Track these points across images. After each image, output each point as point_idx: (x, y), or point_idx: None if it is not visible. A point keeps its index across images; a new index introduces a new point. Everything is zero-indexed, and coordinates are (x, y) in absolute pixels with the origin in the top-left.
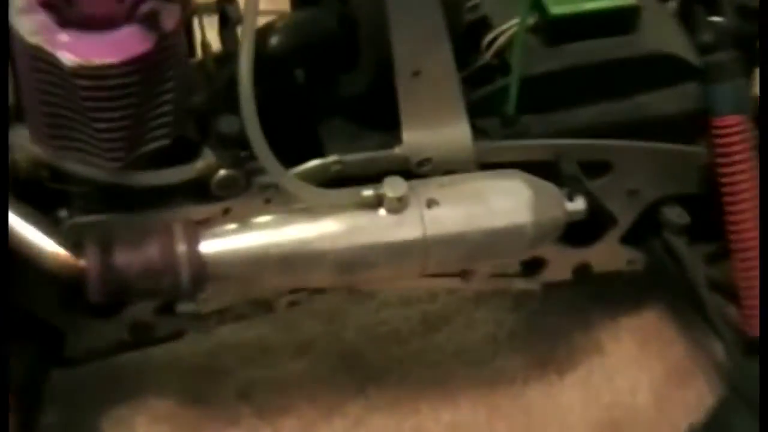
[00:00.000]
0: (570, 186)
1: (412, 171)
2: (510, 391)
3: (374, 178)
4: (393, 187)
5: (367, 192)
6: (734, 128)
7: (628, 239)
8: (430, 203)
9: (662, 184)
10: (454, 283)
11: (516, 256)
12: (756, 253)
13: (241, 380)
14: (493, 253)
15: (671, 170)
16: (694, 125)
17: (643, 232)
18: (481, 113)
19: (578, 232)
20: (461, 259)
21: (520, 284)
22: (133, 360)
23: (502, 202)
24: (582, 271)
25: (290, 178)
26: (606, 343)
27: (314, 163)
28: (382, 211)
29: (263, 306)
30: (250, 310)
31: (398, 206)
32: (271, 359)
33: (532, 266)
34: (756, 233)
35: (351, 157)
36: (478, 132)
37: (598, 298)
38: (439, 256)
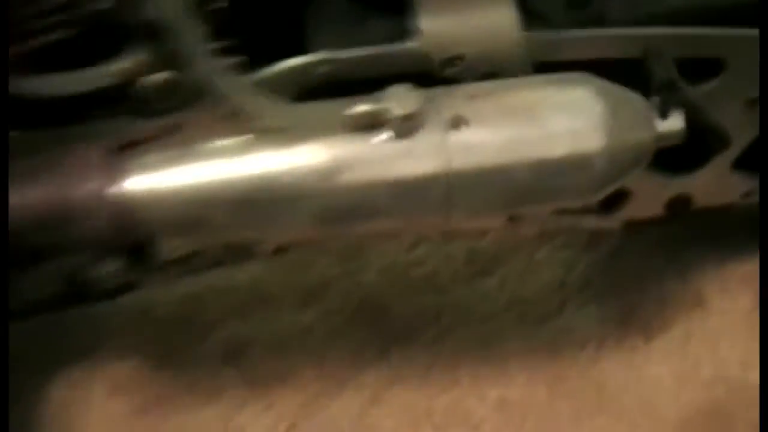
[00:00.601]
0: (663, 95)
1: (435, 74)
2: (579, 359)
3: (382, 84)
4: (400, 98)
5: (362, 107)
6: None
7: (743, 163)
8: (457, 122)
9: None
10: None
11: (582, 197)
12: None
13: (227, 337)
14: (548, 195)
15: None
16: None
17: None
18: None
19: (675, 154)
20: (501, 203)
21: (593, 223)
22: (89, 310)
23: (561, 121)
24: (680, 206)
25: (242, 84)
26: (709, 296)
27: (290, 62)
28: (384, 135)
29: (239, 251)
30: (223, 256)
31: (408, 127)
32: (267, 310)
33: (611, 199)
34: None
35: (345, 53)
36: (532, 17)
37: (699, 235)
38: (469, 200)
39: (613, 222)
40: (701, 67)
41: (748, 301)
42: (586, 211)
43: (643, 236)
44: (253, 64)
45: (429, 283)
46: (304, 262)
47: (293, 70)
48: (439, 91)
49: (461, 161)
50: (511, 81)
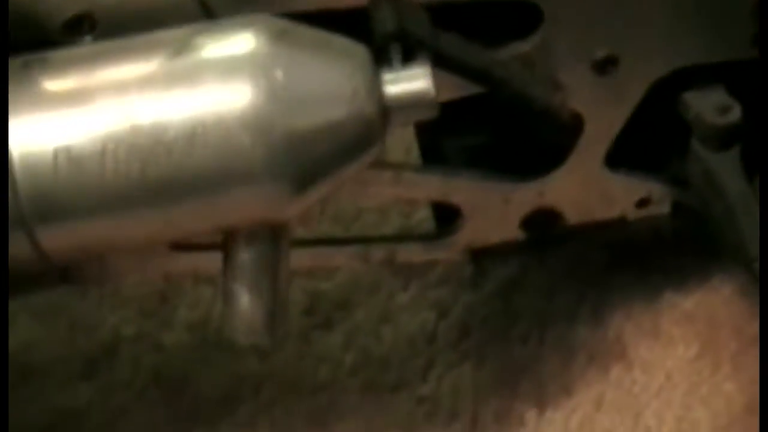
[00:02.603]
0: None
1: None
2: None
3: None
4: None
5: None
6: None
7: (634, 161)
8: None
9: (673, 44)
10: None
11: (252, 213)
12: None
13: None
14: (197, 212)
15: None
16: None
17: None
18: None
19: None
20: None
21: (411, 254)
22: None
23: (197, 88)
24: (545, 224)
25: None
26: (634, 344)
27: None
28: None
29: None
30: None
31: None
32: (30, 386)
33: (438, 218)
34: None
35: None
36: None
37: (624, 262)
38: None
39: (447, 251)
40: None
41: (688, 348)
42: (391, 239)
43: (546, 266)
44: None
45: None
46: (90, 321)
47: None
48: None
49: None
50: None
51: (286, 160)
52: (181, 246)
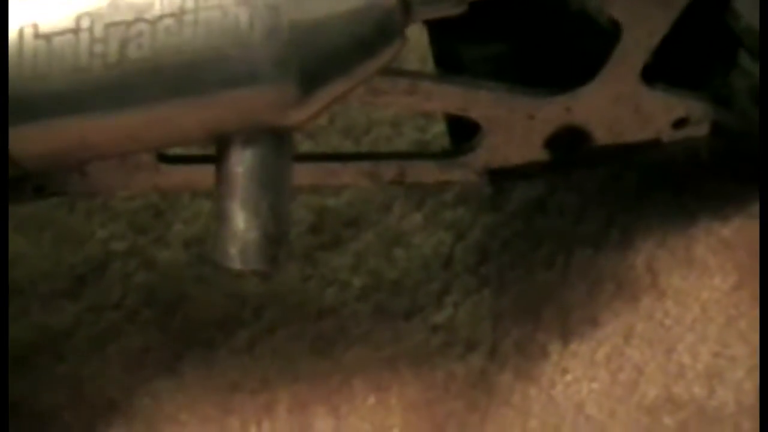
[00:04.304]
0: None
1: None
2: (460, 373)
3: None
4: None
5: None
6: None
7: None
8: None
9: None
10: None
11: (245, 116)
12: None
13: None
14: (163, 109)
15: None
16: None
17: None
18: None
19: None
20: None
21: (424, 173)
22: None
23: None
24: (571, 144)
25: None
26: (666, 272)
27: None
28: None
29: None
30: None
31: None
32: (10, 306)
33: (454, 134)
34: None
35: None
36: None
37: (658, 185)
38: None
39: (463, 171)
40: None
41: (725, 278)
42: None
43: (573, 186)
44: None
45: None
46: (78, 235)
47: None
48: None
49: None
50: None
51: (291, 51)
52: (171, 158)
